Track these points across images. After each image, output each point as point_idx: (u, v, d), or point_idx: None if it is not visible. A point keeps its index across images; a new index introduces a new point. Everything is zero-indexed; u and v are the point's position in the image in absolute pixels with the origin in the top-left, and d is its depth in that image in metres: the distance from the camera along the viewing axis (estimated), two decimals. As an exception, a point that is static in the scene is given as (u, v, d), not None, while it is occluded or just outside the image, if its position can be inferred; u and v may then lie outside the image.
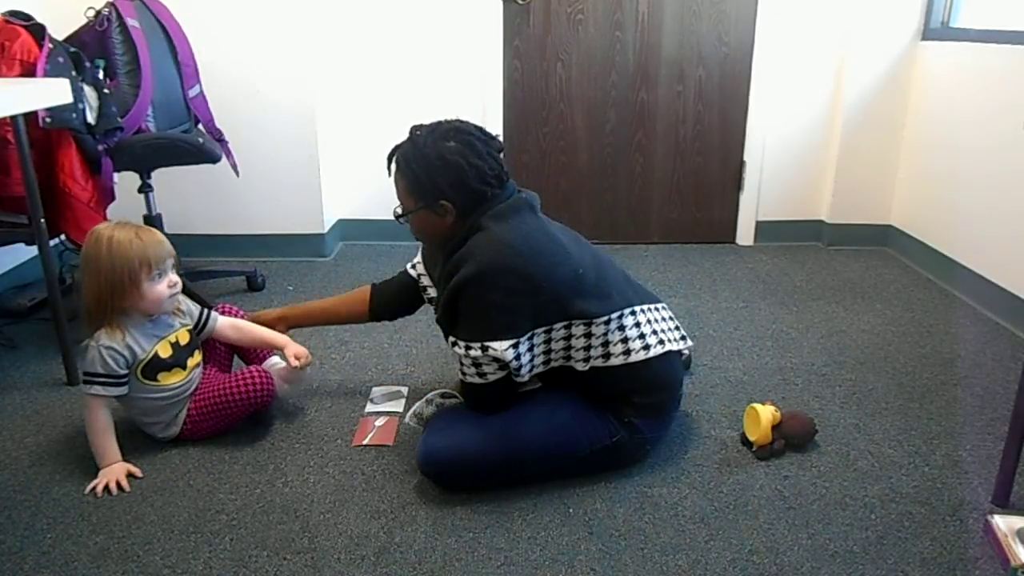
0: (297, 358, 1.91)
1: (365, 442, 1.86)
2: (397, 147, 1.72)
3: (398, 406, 2.03)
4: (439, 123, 1.70)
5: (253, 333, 1.99)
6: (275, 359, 2.06)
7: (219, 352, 2.03)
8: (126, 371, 1.75)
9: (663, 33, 3.25)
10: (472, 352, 1.62)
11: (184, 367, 1.84)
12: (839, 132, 3.30)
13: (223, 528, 1.57)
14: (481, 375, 1.66)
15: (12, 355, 2.35)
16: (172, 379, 1.81)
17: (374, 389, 2.12)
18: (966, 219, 2.85)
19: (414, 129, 1.71)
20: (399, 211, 1.77)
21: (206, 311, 1.94)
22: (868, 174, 3.34)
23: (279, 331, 2.04)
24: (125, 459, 1.77)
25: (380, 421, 1.95)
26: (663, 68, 3.30)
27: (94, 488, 1.68)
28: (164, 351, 1.80)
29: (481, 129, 1.71)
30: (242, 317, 2.04)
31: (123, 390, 1.76)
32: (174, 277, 1.79)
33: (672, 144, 3.40)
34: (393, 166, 1.73)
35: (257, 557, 1.48)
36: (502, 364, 1.63)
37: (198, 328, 1.92)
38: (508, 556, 1.49)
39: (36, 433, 1.92)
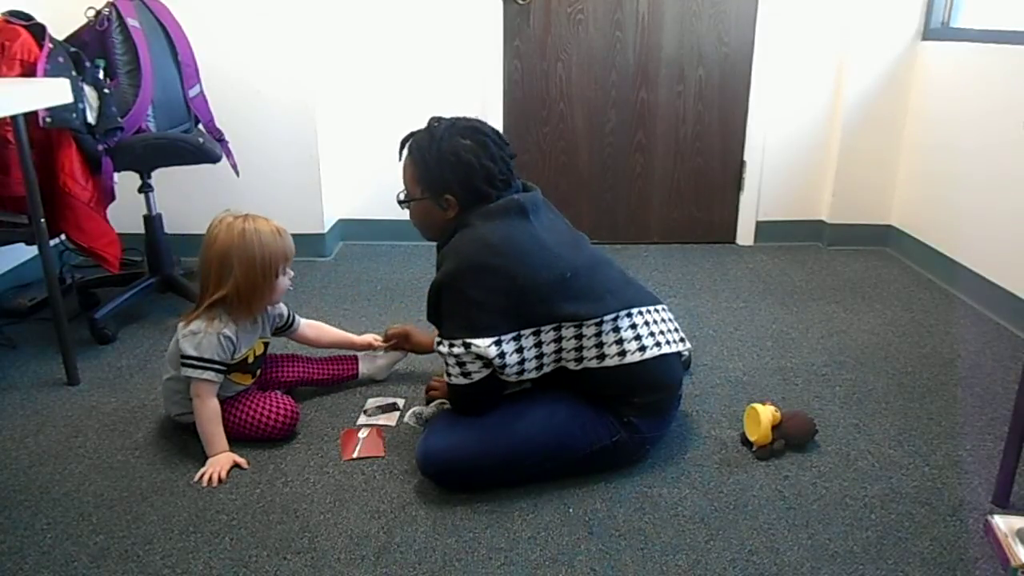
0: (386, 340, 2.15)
1: (355, 455, 1.82)
2: (412, 133, 1.75)
3: (391, 419, 1.97)
4: (458, 119, 1.74)
5: (329, 333, 2.15)
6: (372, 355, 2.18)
7: (280, 370, 2.07)
8: (229, 362, 1.81)
9: (663, 33, 3.25)
10: (455, 350, 1.62)
11: (254, 375, 1.92)
12: (839, 132, 3.30)
13: (223, 528, 1.57)
14: (465, 374, 1.65)
15: (12, 355, 2.35)
16: (243, 380, 1.88)
17: (369, 400, 2.07)
18: (966, 219, 2.85)
19: (433, 120, 1.74)
20: (402, 196, 1.78)
21: (293, 313, 2.06)
22: (868, 174, 3.34)
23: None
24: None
25: (363, 433, 1.90)
26: (663, 68, 3.30)
27: (201, 477, 1.72)
28: (250, 357, 1.87)
29: (497, 132, 1.75)
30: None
31: (223, 378, 1.80)
32: (290, 271, 1.87)
33: (672, 144, 3.40)
34: (405, 151, 1.76)
35: (257, 557, 1.48)
36: (486, 362, 1.63)
37: (285, 326, 2.03)
38: (508, 556, 1.49)
39: (36, 433, 1.92)
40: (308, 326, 2.10)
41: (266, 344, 1.95)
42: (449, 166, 1.68)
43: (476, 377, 1.65)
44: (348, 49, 3.20)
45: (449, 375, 1.68)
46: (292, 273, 1.88)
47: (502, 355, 1.62)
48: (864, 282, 3.00)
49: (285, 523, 1.58)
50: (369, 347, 2.15)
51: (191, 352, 1.75)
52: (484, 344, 1.60)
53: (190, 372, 1.75)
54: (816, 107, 3.31)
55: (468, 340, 1.60)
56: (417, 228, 1.85)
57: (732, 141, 3.40)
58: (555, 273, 1.65)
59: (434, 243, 1.83)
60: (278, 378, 2.04)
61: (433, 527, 1.57)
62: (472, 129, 1.71)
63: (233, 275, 1.74)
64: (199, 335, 1.75)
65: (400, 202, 1.81)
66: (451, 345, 1.62)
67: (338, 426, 1.95)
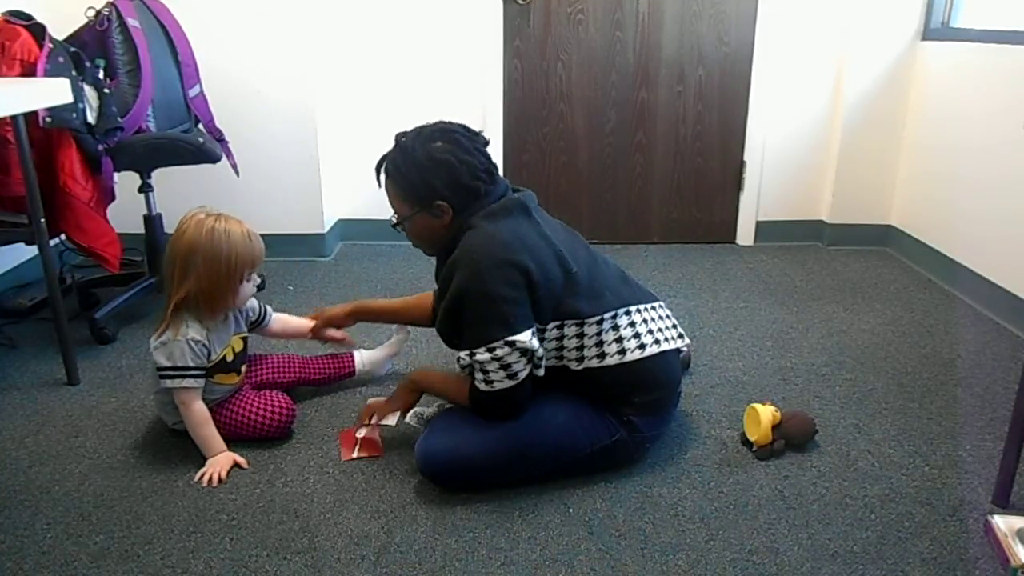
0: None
1: (354, 456, 1.82)
2: (385, 156, 1.74)
3: (391, 419, 1.94)
4: (423, 126, 1.71)
5: (292, 326, 2.12)
6: (367, 352, 2.19)
7: (277, 371, 2.07)
8: (206, 364, 1.79)
9: (663, 33, 3.25)
10: (499, 351, 1.57)
11: (239, 372, 1.90)
12: (839, 132, 3.30)
13: (223, 528, 1.57)
14: (512, 375, 1.60)
15: (12, 355, 2.35)
16: (228, 380, 1.87)
17: (369, 400, 2.04)
18: (966, 219, 2.85)
19: (399, 136, 1.72)
20: (394, 219, 1.77)
21: (265, 307, 2.04)
22: (868, 174, 3.34)
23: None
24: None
25: (361, 432, 1.89)
26: (663, 68, 3.30)
27: (202, 478, 1.71)
28: (229, 355, 1.85)
29: (464, 126, 1.73)
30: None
31: (203, 382, 1.79)
32: (257, 277, 1.85)
33: (672, 144, 3.40)
34: (383, 175, 1.74)
35: (257, 557, 1.48)
36: (529, 357, 1.61)
37: (258, 321, 2.01)
38: (508, 556, 1.49)
39: (36, 433, 1.92)
40: (275, 320, 2.08)
41: (245, 340, 1.93)
42: (430, 172, 1.65)
43: (522, 376, 1.61)
44: (348, 49, 3.20)
45: (490, 383, 1.61)
46: (258, 280, 1.85)
47: (538, 346, 1.60)
48: (864, 282, 3.00)
49: (285, 523, 1.58)
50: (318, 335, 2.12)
51: (164, 363, 1.73)
52: (527, 337, 1.57)
53: (168, 383, 1.74)
54: (816, 107, 3.31)
55: (510, 338, 1.56)
56: (418, 246, 1.81)
57: (732, 141, 3.40)
58: (562, 269, 1.64)
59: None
60: (275, 379, 2.03)
61: (433, 527, 1.57)
62: (439, 131, 1.69)
63: (196, 272, 1.72)
64: (168, 345, 1.73)
65: (394, 226, 1.77)
66: (491, 349, 1.57)
67: (338, 426, 1.95)
